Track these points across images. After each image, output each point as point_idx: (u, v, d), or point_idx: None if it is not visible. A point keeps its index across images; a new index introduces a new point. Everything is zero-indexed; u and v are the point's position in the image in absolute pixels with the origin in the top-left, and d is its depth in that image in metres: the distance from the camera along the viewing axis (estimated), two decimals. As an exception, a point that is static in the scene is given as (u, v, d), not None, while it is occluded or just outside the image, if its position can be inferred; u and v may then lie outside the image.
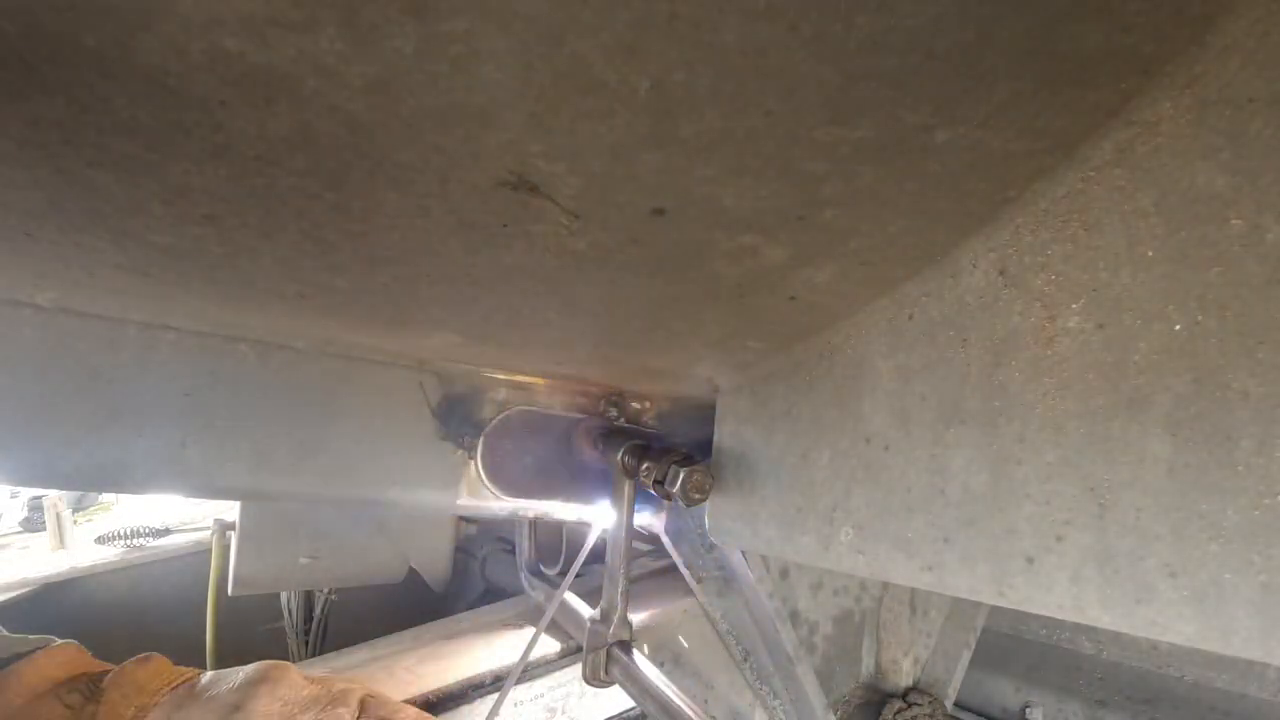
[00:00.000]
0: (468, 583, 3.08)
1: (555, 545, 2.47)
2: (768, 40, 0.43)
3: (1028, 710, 1.96)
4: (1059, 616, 0.64)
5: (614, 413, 1.32)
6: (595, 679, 1.15)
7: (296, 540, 1.70)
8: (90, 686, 0.82)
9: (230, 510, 1.88)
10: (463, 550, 2.89)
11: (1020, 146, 0.57)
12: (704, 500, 1.05)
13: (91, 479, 0.92)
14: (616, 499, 1.20)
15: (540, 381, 1.26)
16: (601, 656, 1.15)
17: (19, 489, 3.11)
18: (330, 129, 0.49)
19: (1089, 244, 0.61)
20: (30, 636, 0.86)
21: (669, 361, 1.07)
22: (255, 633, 2.29)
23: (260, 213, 0.60)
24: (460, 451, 1.18)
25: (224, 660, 2.05)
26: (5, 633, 0.87)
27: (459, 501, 1.19)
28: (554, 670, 1.20)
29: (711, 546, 1.35)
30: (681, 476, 1.02)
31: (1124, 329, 0.59)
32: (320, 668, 1.14)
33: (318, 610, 2.23)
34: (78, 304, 0.87)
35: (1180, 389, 0.55)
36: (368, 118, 0.48)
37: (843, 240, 0.69)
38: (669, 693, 1.03)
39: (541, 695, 1.17)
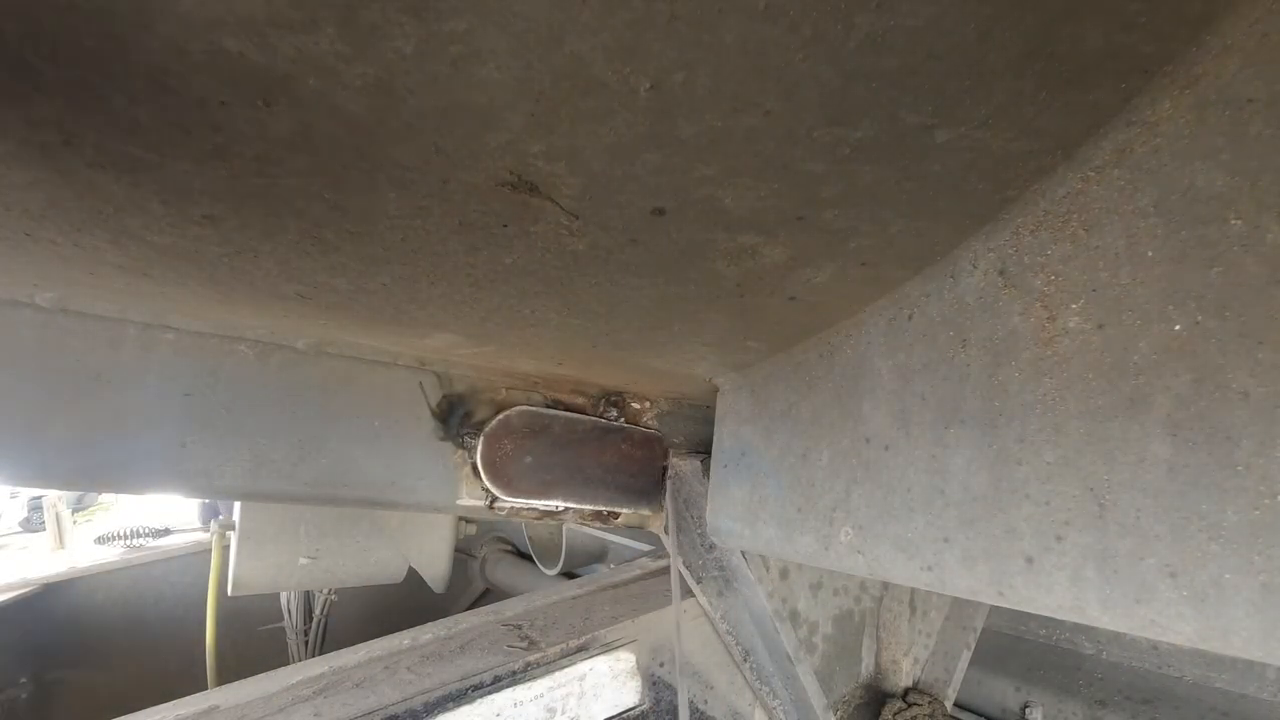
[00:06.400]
0: (467, 583, 3.09)
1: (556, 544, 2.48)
2: (768, 40, 0.43)
3: (1028, 710, 1.96)
4: (1059, 617, 0.64)
5: (614, 413, 1.32)
6: None
7: (296, 540, 1.70)
8: None
9: (230, 510, 1.88)
10: (463, 550, 2.90)
11: (1020, 146, 0.57)
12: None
13: (91, 479, 0.92)
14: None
15: (540, 381, 1.26)
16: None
17: (19, 489, 3.11)
18: (330, 129, 0.49)
19: (1089, 244, 0.61)
20: None
21: (669, 361, 1.07)
22: (255, 633, 2.29)
23: (260, 213, 0.60)
24: (460, 451, 1.18)
25: (224, 660, 2.05)
26: None
27: (459, 501, 1.19)
28: (554, 670, 1.20)
29: (711, 546, 1.35)
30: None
31: (1124, 329, 0.59)
32: (320, 667, 1.14)
33: (318, 610, 2.23)
34: (78, 304, 0.87)
35: (1180, 389, 0.55)
36: (368, 118, 0.48)
37: (843, 240, 0.69)
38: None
39: (541, 695, 1.17)
